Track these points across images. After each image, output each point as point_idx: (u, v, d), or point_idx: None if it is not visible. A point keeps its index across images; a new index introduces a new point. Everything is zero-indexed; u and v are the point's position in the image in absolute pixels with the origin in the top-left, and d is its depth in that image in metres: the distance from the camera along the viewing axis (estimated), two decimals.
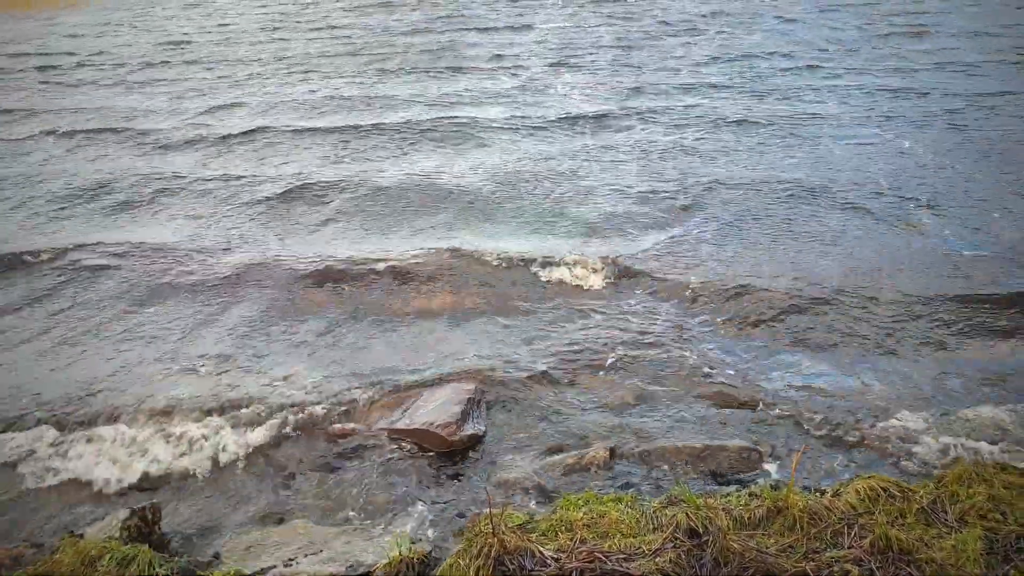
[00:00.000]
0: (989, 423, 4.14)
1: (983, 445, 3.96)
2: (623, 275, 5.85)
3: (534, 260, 6.12)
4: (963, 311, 5.20)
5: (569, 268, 5.93)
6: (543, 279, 5.95)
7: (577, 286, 5.82)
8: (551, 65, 13.80)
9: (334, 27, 20.17)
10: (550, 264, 6.05)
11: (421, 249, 6.56)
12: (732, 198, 7.25)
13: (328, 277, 6.24)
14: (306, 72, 14.64)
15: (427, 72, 13.87)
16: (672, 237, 6.45)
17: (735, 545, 2.81)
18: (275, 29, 20.56)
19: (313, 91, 13.02)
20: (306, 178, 8.59)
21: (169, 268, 6.60)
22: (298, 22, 21.68)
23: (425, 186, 8.11)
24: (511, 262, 6.14)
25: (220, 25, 22.31)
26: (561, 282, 5.88)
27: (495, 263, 6.17)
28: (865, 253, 6.05)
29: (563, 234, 6.72)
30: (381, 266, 6.27)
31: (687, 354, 4.96)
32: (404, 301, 5.82)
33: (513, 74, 13.33)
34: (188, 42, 19.22)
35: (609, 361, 4.93)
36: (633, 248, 6.27)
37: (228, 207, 7.98)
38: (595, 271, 5.90)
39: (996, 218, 6.55)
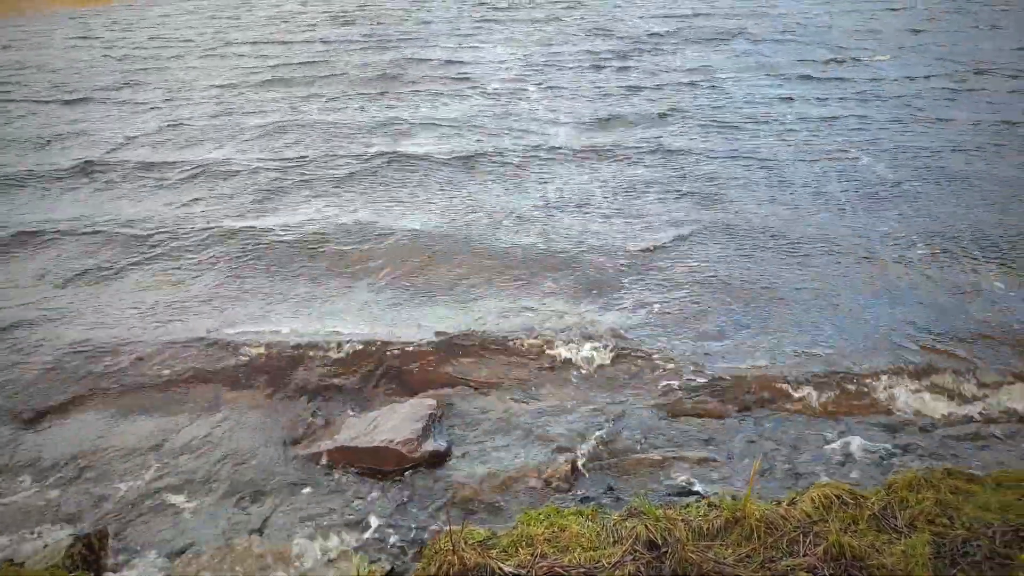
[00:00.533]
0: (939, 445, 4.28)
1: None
2: (593, 345, 5.38)
3: (495, 334, 5.56)
4: (914, 349, 5.16)
5: (533, 342, 5.47)
6: (503, 351, 5.42)
7: (545, 355, 5.37)
8: (514, 88, 13.54)
9: (290, 43, 19.88)
10: (512, 337, 5.52)
11: (356, 330, 5.66)
12: (702, 244, 6.99)
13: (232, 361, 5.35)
14: (256, 91, 14.10)
15: (385, 93, 13.49)
16: (644, 293, 6.16)
17: (693, 556, 2.83)
18: (227, 44, 20.14)
19: (260, 112, 12.47)
20: (219, 223, 7.66)
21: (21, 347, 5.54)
22: (254, 37, 21.31)
23: (375, 235, 7.35)
24: (471, 338, 5.54)
25: (165, 38, 21.65)
26: (527, 354, 5.38)
27: (453, 342, 5.48)
28: (831, 290, 6.00)
29: (527, 296, 6.18)
30: (307, 347, 5.43)
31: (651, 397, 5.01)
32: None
33: (475, 96, 13.08)
34: (129, 57, 18.54)
35: (572, 384, 4.97)
36: (606, 315, 5.86)
37: (116, 259, 7.02)
38: (559, 344, 5.45)
39: (955, 249, 6.55)
